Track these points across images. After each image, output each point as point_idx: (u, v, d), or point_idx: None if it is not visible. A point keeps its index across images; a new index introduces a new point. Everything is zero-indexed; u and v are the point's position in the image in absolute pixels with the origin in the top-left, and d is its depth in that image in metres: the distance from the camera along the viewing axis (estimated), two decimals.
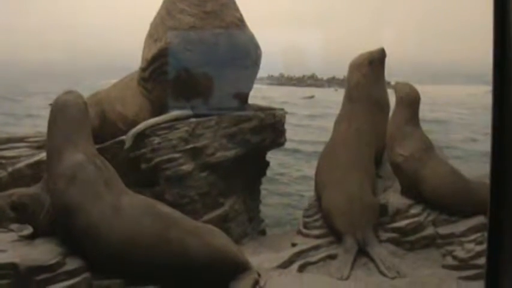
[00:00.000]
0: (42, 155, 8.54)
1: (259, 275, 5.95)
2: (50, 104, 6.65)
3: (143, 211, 5.86)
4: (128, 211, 5.83)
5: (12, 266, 5.71)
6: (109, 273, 5.80)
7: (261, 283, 5.85)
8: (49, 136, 6.42)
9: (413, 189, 7.41)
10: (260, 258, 6.93)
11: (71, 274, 5.74)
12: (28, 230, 6.65)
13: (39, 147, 9.12)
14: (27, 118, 26.45)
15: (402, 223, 7.17)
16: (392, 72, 8.78)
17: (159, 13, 8.58)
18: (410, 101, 7.63)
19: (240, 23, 8.42)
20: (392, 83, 8.14)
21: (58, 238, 6.16)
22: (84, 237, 5.83)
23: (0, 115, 27.92)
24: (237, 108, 8.50)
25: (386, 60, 8.36)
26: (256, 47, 8.61)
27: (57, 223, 6.19)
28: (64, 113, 6.38)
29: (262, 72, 8.96)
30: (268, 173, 9.95)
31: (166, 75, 8.15)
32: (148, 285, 5.72)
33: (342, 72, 9.35)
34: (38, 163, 8.63)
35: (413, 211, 7.28)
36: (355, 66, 8.38)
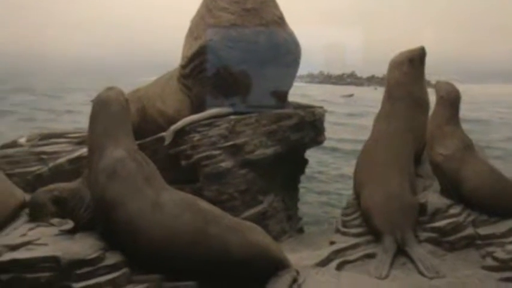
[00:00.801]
0: (83, 150, 8.65)
1: (297, 272, 5.95)
2: (92, 100, 6.71)
3: (183, 207, 5.90)
4: (168, 207, 5.87)
5: (54, 259, 5.80)
6: (148, 269, 5.85)
7: (300, 281, 5.86)
8: (90, 132, 6.49)
9: (453, 189, 7.33)
10: (298, 256, 6.92)
11: (111, 268, 5.81)
12: (69, 224, 6.72)
13: (79, 143, 9.23)
14: (67, 114, 26.73)
15: (441, 223, 7.10)
16: (433, 70, 8.71)
17: (199, 11, 8.62)
18: (451, 100, 7.57)
19: (280, 21, 8.44)
20: (433, 81, 8.08)
21: (98, 233, 6.23)
22: (124, 233, 5.89)
23: (42, 111, 28.27)
24: (277, 105, 8.51)
25: (427, 58, 8.29)
26: (296, 45, 8.62)
27: (98, 218, 6.26)
28: (105, 109, 6.44)
29: (301, 70, 8.96)
30: (307, 171, 9.95)
31: (206, 72, 8.18)
32: (187, 280, 5.77)
33: (382, 70, 9.30)
34: (78, 158, 8.74)
35: (452, 211, 7.20)
36: (395, 64, 8.32)
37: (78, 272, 5.74)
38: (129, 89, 8.72)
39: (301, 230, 9.48)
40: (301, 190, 10.18)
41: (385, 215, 7.09)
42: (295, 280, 5.82)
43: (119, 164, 6.08)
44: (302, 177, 9.84)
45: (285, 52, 8.38)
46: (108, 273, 5.77)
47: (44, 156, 9.09)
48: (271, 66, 8.23)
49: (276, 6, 8.51)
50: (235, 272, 5.70)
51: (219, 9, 8.25)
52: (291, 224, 9.05)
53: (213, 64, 8.14)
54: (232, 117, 8.02)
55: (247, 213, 7.89)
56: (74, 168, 8.63)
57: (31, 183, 8.73)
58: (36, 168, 8.97)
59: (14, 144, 9.59)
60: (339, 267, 6.65)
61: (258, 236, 5.93)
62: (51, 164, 8.91)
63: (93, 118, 6.50)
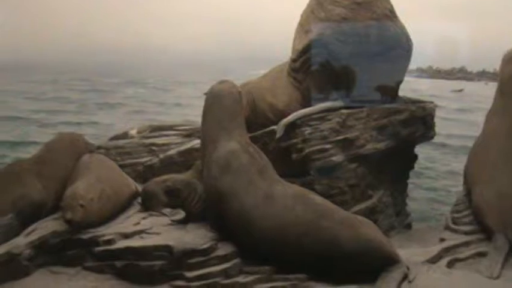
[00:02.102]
0: (193, 142, 8.79)
1: (408, 268, 5.89)
2: (205, 93, 6.82)
3: (296, 200, 5.94)
4: (280, 199, 5.92)
5: (167, 248, 5.96)
6: (259, 260, 5.92)
7: (410, 277, 5.79)
8: (204, 124, 6.60)
9: None
10: (408, 252, 6.82)
11: (222, 259, 5.93)
12: (180, 214, 6.87)
13: (188, 135, 9.39)
14: (177, 107, 27.22)
15: None
16: None
17: (309, 4, 8.61)
18: None
19: (391, 15, 8.35)
20: None
21: (210, 224, 6.34)
22: (236, 224, 5.98)
23: (152, 104, 28.89)
24: (387, 100, 8.44)
25: None
26: (407, 39, 8.52)
27: (210, 209, 6.36)
28: (219, 101, 6.55)
29: (410, 65, 8.85)
30: (415, 166, 9.83)
31: (317, 66, 8.18)
32: (297, 273, 5.79)
33: (493, 65, 9.10)
34: (188, 151, 8.87)
35: None
36: (509, 59, 8.12)
37: (191, 261, 5.88)
38: (238, 82, 8.80)
39: (409, 226, 9.38)
40: (409, 186, 10.06)
41: (497, 213, 6.93)
42: (405, 276, 5.77)
43: (232, 156, 6.19)
44: (410, 173, 9.73)
45: (396, 46, 8.29)
46: (220, 263, 5.90)
47: (154, 148, 9.28)
48: (382, 60, 8.16)
49: (387, 0, 8.43)
50: (345, 266, 5.70)
51: (329, 2, 8.22)
52: (399, 219, 8.98)
53: (324, 58, 8.13)
54: (343, 111, 7.98)
55: (356, 208, 7.85)
56: (184, 160, 8.78)
57: (141, 173, 8.94)
58: (146, 159, 9.18)
59: (124, 135, 9.86)
60: (449, 265, 6.54)
61: (370, 230, 5.91)
62: (161, 156, 9.07)
63: (206, 111, 6.62)
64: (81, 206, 6.63)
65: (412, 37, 8.59)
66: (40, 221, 7.11)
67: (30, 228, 6.93)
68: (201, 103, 6.88)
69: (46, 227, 6.90)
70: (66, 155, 7.97)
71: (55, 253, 6.68)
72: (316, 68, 8.20)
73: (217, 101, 6.58)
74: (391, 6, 8.43)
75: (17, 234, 6.83)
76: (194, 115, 6.76)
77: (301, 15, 8.72)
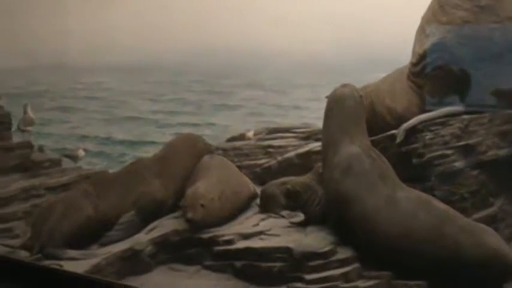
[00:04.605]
0: (311, 145, 8.80)
1: None
2: (326, 97, 6.84)
3: (418, 205, 5.91)
4: (403, 204, 5.91)
5: (287, 250, 6.02)
6: (379, 265, 5.90)
7: None
8: (325, 127, 6.64)
9: None
10: None
11: (342, 263, 5.94)
12: (299, 217, 6.91)
13: (306, 138, 9.39)
14: (294, 110, 27.24)
15: None
16: None
17: (430, 7, 8.50)
18: None
19: None
20: None
21: (330, 227, 6.36)
22: (358, 228, 5.99)
23: (269, 106, 29.03)
24: (510, 105, 8.24)
25: None
26: None
27: (331, 212, 6.38)
28: (341, 105, 6.57)
29: None
30: None
31: (438, 70, 8.06)
32: (416, 280, 5.74)
33: None
34: (307, 153, 8.87)
35: None
36: None
37: (310, 264, 5.91)
38: (357, 85, 8.77)
39: None
40: None
41: None
42: None
43: (354, 160, 6.20)
44: None
45: None
46: (340, 267, 5.91)
47: (271, 150, 9.35)
48: (505, 64, 7.97)
49: (511, 1, 8.25)
50: (466, 275, 5.62)
51: (451, 6, 8.09)
52: None
53: (445, 62, 8.01)
54: (464, 116, 7.82)
55: (476, 216, 7.68)
56: (302, 163, 8.79)
57: (258, 175, 9.01)
58: (264, 161, 9.25)
59: (242, 137, 9.99)
60: None
61: (493, 239, 5.82)
62: (280, 158, 9.12)
63: (328, 114, 6.65)
64: (202, 205, 6.78)
65: None
66: (160, 219, 7.30)
67: (151, 226, 7.15)
68: (319, 106, 6.91)
69: (167, 225, 7.10)
70: (187, 155, 8.16)
71: (175, 251, 6.85)
72: (437, 72, 8.08)
73: (339, 105, 6.61)
74: None
75: (137, 231, 7.07)
76: (312, 118, 6.76)
77: (422, 18, 8.62)
